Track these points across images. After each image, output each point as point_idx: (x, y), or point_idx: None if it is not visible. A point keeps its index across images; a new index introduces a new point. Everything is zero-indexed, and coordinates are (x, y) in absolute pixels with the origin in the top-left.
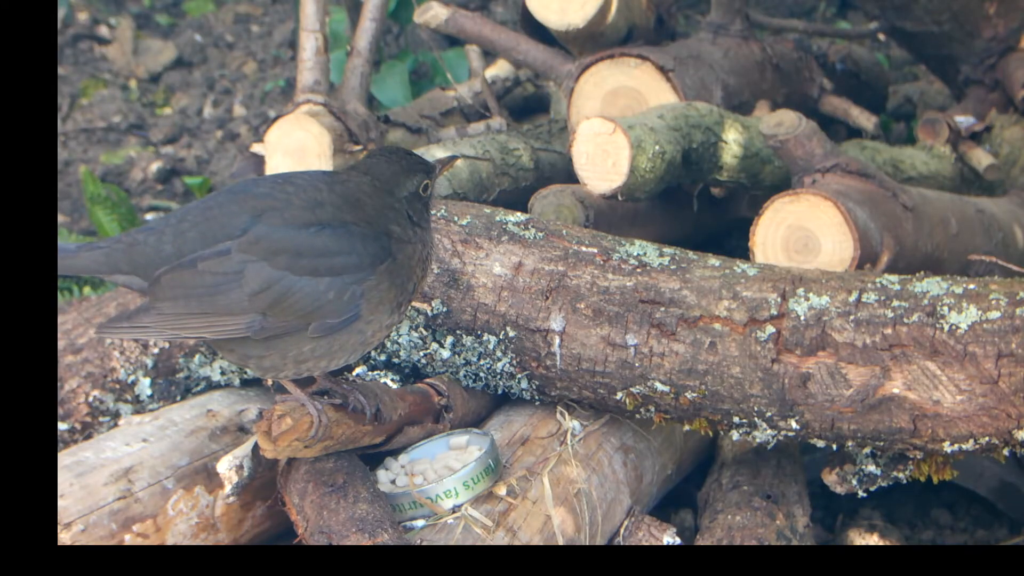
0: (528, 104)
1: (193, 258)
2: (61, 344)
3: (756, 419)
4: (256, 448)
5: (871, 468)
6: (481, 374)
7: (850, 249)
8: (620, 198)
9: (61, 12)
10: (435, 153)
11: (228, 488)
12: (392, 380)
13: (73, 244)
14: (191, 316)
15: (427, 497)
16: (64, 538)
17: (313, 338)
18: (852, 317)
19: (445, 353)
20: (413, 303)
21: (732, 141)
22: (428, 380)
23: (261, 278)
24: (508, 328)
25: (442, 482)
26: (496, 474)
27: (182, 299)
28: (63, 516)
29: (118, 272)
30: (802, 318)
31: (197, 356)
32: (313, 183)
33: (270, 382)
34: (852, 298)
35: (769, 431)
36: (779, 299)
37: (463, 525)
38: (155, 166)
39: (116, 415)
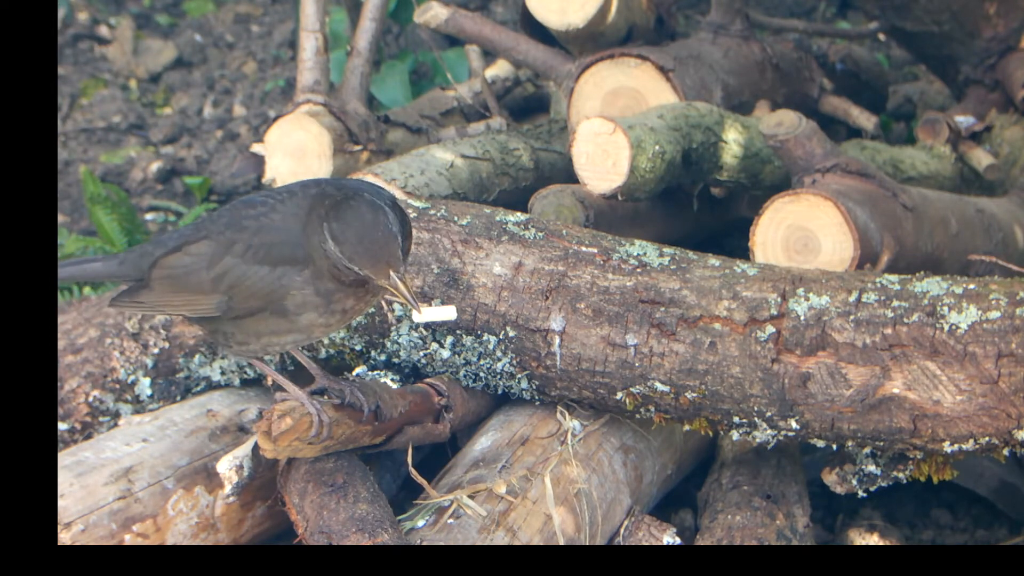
0: (528, 104)
1: (181, 243)
2: (61, 344)
3: (756, 419)
4: (256, 448)
5: (871, 468)
6: (481, 374)
7: (850, 249)
8: (620, 198)
9: (61, 12)
10: (435, 153)
11: (228, 488)
12: (392, 380)
13: (94, 256)
14: (174, 294)
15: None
16: (64, 538)
17: (272, 316)
18: (852, 317)
19: (445, 353)
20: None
21: (732, 141)
22: (428, 380)
23: (221, 263)
24: (508, 328)
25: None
26: None
27: (167, 279)
28: (63, 516)
29: (130, 278)
30: (802, 318)
31: (197, 356)
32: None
33: (266, 376)
34: (852, 298)
35: (769, 431)
36: (779, 299)
37: (463, 523)
38: (155, 166)
39: (116, 415)
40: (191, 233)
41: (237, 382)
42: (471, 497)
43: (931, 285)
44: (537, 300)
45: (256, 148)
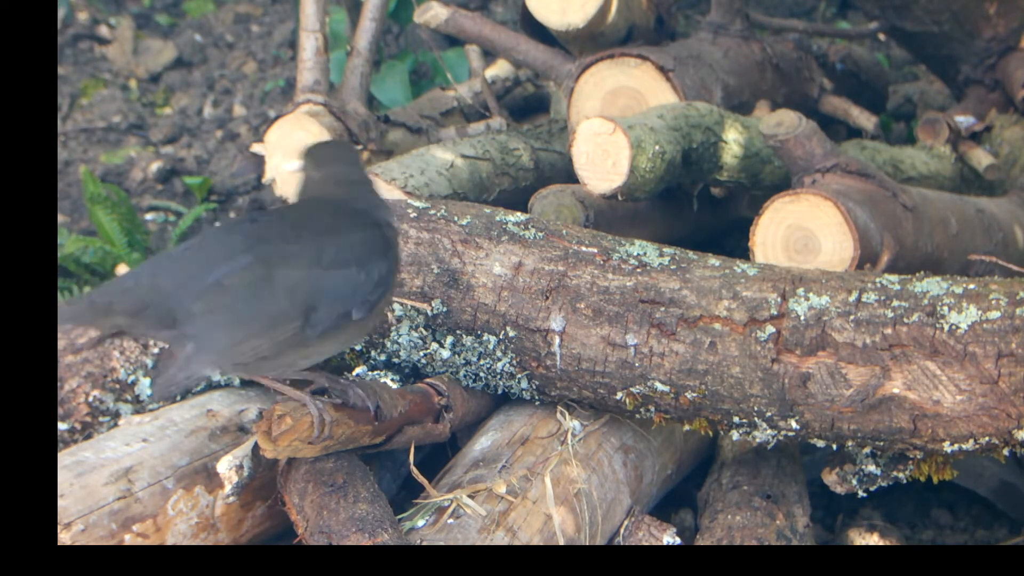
0: (528, 104)
1: (215, 280)
2: (61, 344)
3: (756, 419)
4: (256, 448)
5: (871, 468)
6: (481, 374)
7: (850, 249)
8: (620, 198)
9: (61, 12)
10: (435, 153)
11: (228, 488)
12: (392, 380)
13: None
14: (244, 339)
15: None
16: (64, 538)
17: (356, 321)
18: (852, 317)
19: (445, 353)
20: (413, 303)
21: (732, 141)
22: (428, 380)
23: (291, 278)
24: (508, 328)
25: None
26: None
27: (225, 325)
28: (63, 516)
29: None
30: (802, 318)
31: None
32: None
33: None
34: (852, 298)
35: (769, 431)
36: (779, 299)
37: (463, 523)
38: (155, 166)
39: (116, 415)
40: (196, 270)
41: (237, 382)
42: (471, 497)
43: (931, 285)
44: (537, 300)
45: (256, 148)
